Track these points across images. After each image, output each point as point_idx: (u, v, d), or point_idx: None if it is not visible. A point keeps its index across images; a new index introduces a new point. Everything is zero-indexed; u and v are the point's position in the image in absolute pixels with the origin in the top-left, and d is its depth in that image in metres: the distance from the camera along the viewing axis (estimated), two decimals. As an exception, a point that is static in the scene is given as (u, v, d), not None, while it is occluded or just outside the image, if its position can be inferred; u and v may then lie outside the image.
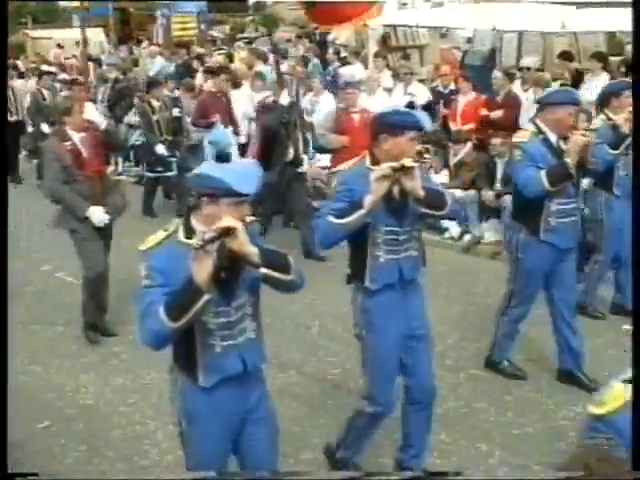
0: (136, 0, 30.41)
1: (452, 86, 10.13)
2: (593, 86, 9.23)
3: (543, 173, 5.09)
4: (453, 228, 8.65)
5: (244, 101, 10.24)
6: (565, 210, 5.28)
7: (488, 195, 8.34)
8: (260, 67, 12.70)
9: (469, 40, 13.75)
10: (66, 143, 6.16)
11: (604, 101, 6.58)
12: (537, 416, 5.24)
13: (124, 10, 31.27)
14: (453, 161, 8.94)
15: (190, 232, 3.16)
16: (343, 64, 12.78)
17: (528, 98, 9.18)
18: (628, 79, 7.21)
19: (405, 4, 15.33)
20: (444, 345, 6.07)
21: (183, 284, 3.00)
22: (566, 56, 10.10)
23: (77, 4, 32.29)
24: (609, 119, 6.38)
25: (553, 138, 5.23)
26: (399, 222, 4.08)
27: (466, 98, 9.33)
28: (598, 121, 6.50)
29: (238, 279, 3.24)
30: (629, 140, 6.21)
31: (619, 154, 6.28)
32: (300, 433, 5.00)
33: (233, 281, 3.23)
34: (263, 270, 3.18)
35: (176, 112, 10.13)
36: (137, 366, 6.04)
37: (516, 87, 9.52)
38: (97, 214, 6.26)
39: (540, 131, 5.27)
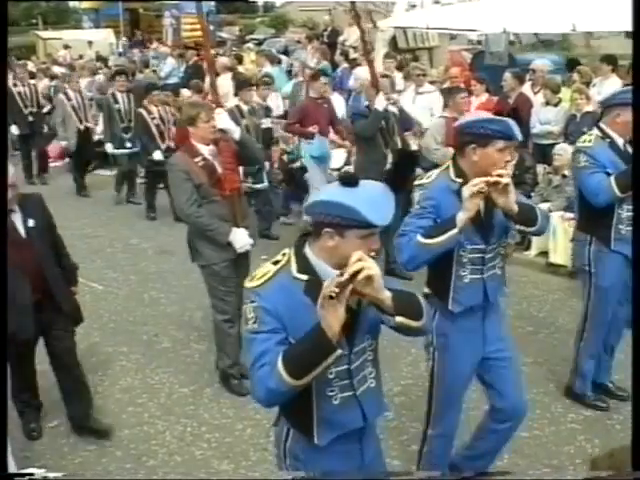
0: (145, 0, 30.47)
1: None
2: (603, 89, 9.23)
3: (612, 179, 4.80)
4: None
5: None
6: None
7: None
8: (268, 69, 12.72)
9: (480, 42, 13.74)
10: (196, 159, 5.29)
11: None
12: (546, 419, 5.21)
13: (134, 11, 31.38)
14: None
15: (305, 265, 2.71)
16: (353, 66, 12.79)
17: (538, 100, 9.18)
18: None
19: (414, 6, 15.29)
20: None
21: (310, 337, 2.56)
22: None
23: (87, 4, 32.55)
24: None
25: (620, 142, 4.91)
26: (485, 239, 3.79)
27: (479, 100, 9.29)
28: None
29: (360, 321, 2.78)
30: None
31: None
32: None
33: (355, 324, 2.75)
34: (398, 319, 2.69)
35: (267, 123, 9.14)
36: (146, 366, 6.05)
37: (526, 89, 9.50)
38: (241, 238, 5.36)
39: (606, 135, 4.95)
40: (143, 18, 31.53)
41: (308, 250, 2.74)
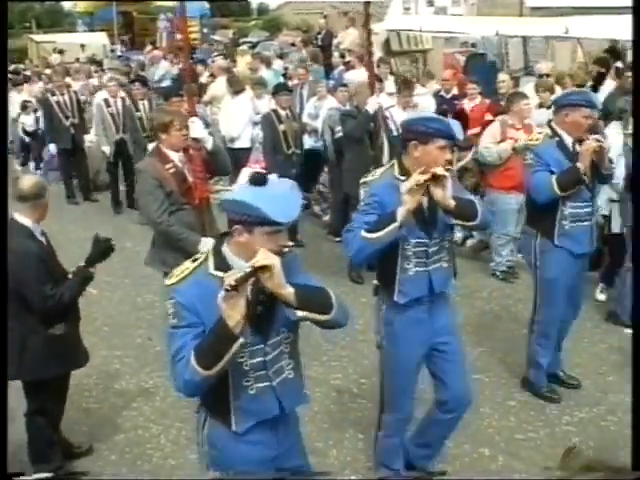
0: (139, 0, 30.43)
1: (455, 91, 10.12)
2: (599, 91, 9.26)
3: (554, 178, 5.00)
4: (457, 233, 8.64)
5: (247, 106, 10.24)
6: (579, 214, 5.14)
7: (488, 202, 8.33)
8: (263, 72, 12.72)
9: (473, 45, 13.77)
10: (167, 166, 5.25)
11: None
12: (541, 421, 5.23)
13: (128, 14, 31.36)
14: (457, 166, 8.93)
15: (222, 262, 2.86)
16: (348, 68, 12.81)
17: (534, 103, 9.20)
18: None
19: (408, 9, 15.35)
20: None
21: (213, 328, 2.71)
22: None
23: (82, 7, 32.51)
24: None
25: (568, 141, 5.11)
26: (429, 233, 3.94)
27: (473, 103, 9.31)
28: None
29: (275, 314, 2.94)
30: None
31: None
32: (303, 437, 4.97)
33: (269, 317, 2.94)
34: (299, 313, 2.84)
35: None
36: (140, 370, 6.05)
37: (529, 92, 9.50)
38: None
39: (555, 133, 5.16)
40: (137, 21, 31.49)
41: (225, 247, 2.88)
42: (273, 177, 2.94)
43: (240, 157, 9.78)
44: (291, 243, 2.97)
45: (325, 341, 6.29)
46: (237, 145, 10.15)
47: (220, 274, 2.77)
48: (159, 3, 28.67)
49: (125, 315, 7.15)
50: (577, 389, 5.63)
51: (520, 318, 6.66)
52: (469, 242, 8.75)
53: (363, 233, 3.80)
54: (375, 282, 4.22)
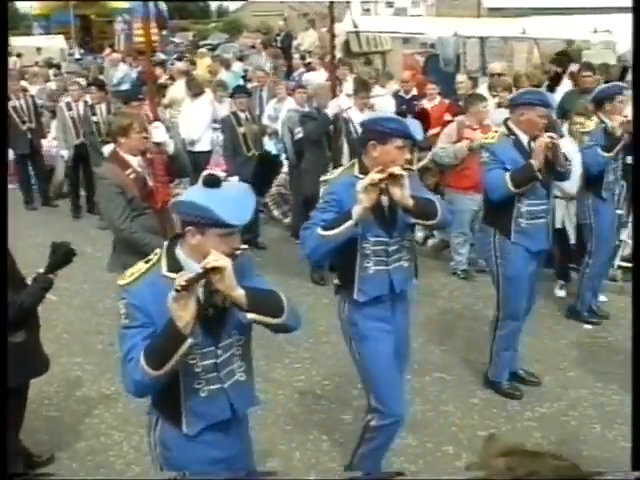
0: (95, 0, 30.10)
1: (414, 91, 10.17)
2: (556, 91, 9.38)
3: (507, 175, 5.06)
4: (417, 233, 8.69)
5: (207, 109, 10.19)
6: (535, 212, 5.21)
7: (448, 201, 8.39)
8: (222, 75, 12.68)
9: (432, 45, 13.86)
10: (127, 171, 5.17)
11: (597, 104, 6.55)
12: (503, 418, 5.28)
13: (85, 17, 31.02)
14: (417, 166, 8.98)
15: (174, 264, 2.86)
16: (309, 70, 12.83)
17: (492, 103, 9.28)
18: (621, 83, 7.25)
19: (368, 10, 15.42)
20: (410, 348, 6.09)
21: (163, 329, 2.72)
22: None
23: (38, 10, 32.04)
24: (602, 122, 6.40)
25: (524, 139, 5.17)
26: (388, 232, 3.96)
27: (432, 103, 9.37)
28: (591, 124, 6.49)
29: (226, 317, 2.95)
30: (622, 144, 6.29)
31: (611, 157, 6.32)
32: (267, 440, 4.99)
33: (221, 319, 2.94)
34: (250, 315, 2.86)
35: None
36: (101, 376, 5.98)
37: (483, 92, 9.59)
38: None
39: (511, 132, 5.22)
40: (95, 24, 31.17)
41: (179, 249, 2.88)
42: (234, 179, 2.96)
43: (200, 160, 9.72)
44: (244, 245, 2.96)
45: (287, 343, 6.28)
46: (197, 148, 10.09)
47: (172, 275, 2.76)
48: (116, 5, 28.41)
49: (85, 321, 7.07)
50: (537, 386, 5.69)
51: (481, 316, 6.73)
52: (430, 241, 8.81)
53: (319, 231, 3.79)
54: (336, 281, 4.23)
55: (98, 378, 5.98)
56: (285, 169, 9.26)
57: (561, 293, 7.34)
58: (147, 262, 2.93)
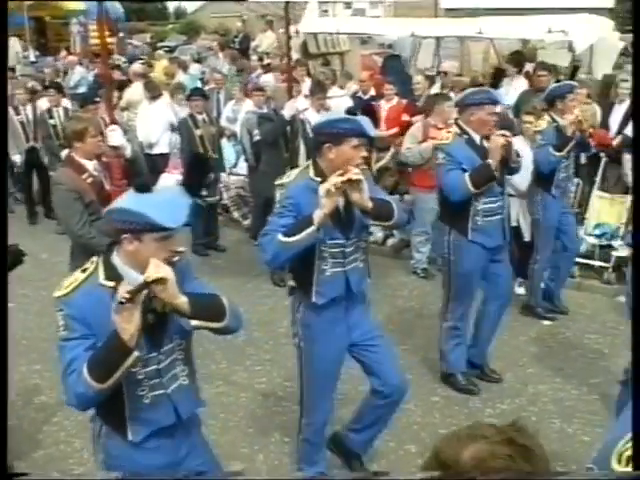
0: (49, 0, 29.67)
1: (372, 92, 10.21)
2: (510, 90, 9.47)
3: (467, 176, 5.12)
4: (377, 233, 8.73)
5: (165, 111, 10.12)
6: (491, 209, 5.29)
7: (409, 201, 8.43)
8: (180, 77, 12.61)
9: (390, 46, 13.91)
10: (83, 176, 5.12)
11: (549, 103, 6.67)
12: (464, 415, 5.33)
13: (40, 19, 30.58)
14: (376, 167, 9.02)
15: (112, 272, 2.83)
16: (266, 71, 12.80)
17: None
18: (572, 82, 7.37)
19: (326, 11, 15.42)
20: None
21: (107, 341, 2.68)
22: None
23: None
24: (554, 121, 6.50)
25: (477, 138, 5.25)
26: (345, 234, 3.97)
27: (390, 104, 9.41)
28: (543, 123, 6.59)
29: (167, 322, 2.94)
30: (573, 143, 6.39)
31: (562, 156, 6.42)
32: (229, 443, 4.97)
33: (162, 325, 2.93)
34: (193, 322, 2.87)
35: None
36: (61, 384, 5.87)
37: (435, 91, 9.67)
38: None
39: (463, 131, 5.29)
40: (50, 26, 30.73)
41: (115, 257, 2.85)
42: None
43: (159, 163, 9.68)
44: (182, 248, 2.94)
45: (248, 345, 6.27)
46: (155, 151, 10.04)
47: (110, 284, 2.76)
48: (72, 6, 28.05)
49: (44, 328, 6.96)
50: (498, 382, 5.74)
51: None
52: (390, 241, 8.84)
53: (280, 237, 3.78)
54: (291, 283, 4.23)
55: (57, 385, 5.82)
56: (243, 171, 9.26)
57: (520, 290, 7.41)
58: (84, 271, 2.90)
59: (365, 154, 3.96)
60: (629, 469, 1.86)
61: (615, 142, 8.13)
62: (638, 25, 4.96)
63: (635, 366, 1.88)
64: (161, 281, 2.67)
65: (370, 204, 3.83)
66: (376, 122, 9.15)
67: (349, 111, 4.26)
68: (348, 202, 3.89)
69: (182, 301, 2.78)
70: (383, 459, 4.81)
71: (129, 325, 2.63)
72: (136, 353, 2.68)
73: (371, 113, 8.49)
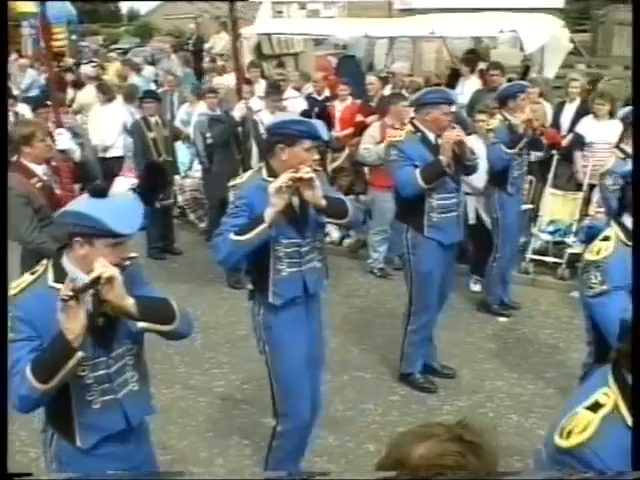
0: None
1: (327, 93, 10.21)
2: (464, 89, 9.55)
3: (417, 171, 5.17)
4: (333, 233, 8.74)
5: (119, 114, 10.02)
6: (446, 205, 5.33)
7: (366, 201, 8.46)
8: (133, 79, 12.49)
9: (344, 47, 13.94)
10: (32, 180, 5.03)
11: (501, 102, 6.74)
12: (423, 413, 5.36)
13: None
14: (331, 167, 9.03)
15: (61, 275, 2.78)
16: (220, 73, 12.71)
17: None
18: (523, 82, 7.47)
19: (280, 12, 15.39)
20: (328, 349, 6.10)
21: (52, 341, 2.65)
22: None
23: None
24: (506, 120, 6.57)
25: (431, 137, 5.30)
26: (301, 233, 3.97)
27: (344, 104, 9.43)
28: (495, 121, 6.66)
29: (117, 326, 2.89)
30: (525, 141, 6.47)
31: (514, 154, 6.49)
32: (188, 448, 4.93)
33: (112, 329, 2.89)
34: (141, 324, 2.84)
35: None
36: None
37: (388, 92, 9.70)
38: None
39: (418, 130, 5.33)
40: (0, 29, 30.25)
41: (65, 260, 2.82)
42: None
43: (113, 166, 9.56)
44: (134, 254, 2.92)
45: (206, 349, 6.24)
46: (110, 154, 9.91)
47: (59, 286, 2.70)
48: (23, 9, 27.61)
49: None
50: (453, 378, 5.80)
51: (398, 313, 6.74)
52: (346, 241, 8.86)
53: (232, 236, 3.78)
54: (250, 286, 4.20)
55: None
56: (198, 173, 9.20)
57: (476, 287, 7.49)
58: (33, 273, 2.87)
59: (317, 156, 3.98)
60: (569, 442, 1.99)
61: (566, 140, 8.26)
62: (638, 25, 5.02)
63: (635, 365, 1.93)
64: (107, 281, 2.64)
65: (323, 201, 3.85)
66: (331, 123, 9.18)
67: (304, 113, 4.27)
68: (303, 201, 3.90)
69: (129, 303, 2.75)
70: (342, 458, 4.82)
71: (73, 324, 2.59)
72: (80, 353, 2.65)
73: (326, 116, 8.51)
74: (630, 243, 3.08)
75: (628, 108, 5.59)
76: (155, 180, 7.63)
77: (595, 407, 2.02)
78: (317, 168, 4.03)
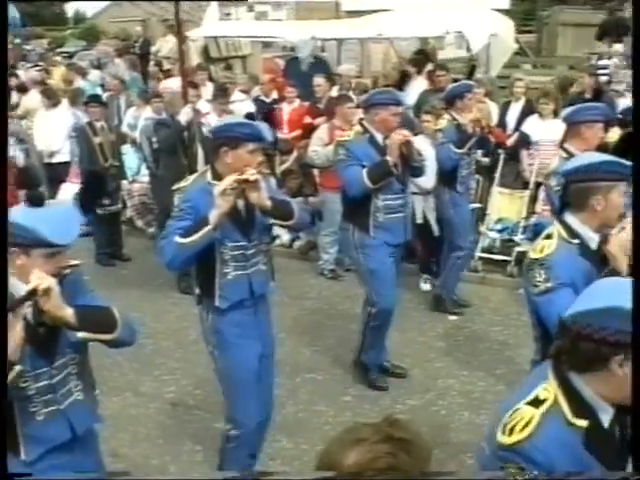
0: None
1: (275, 95, 10.20)
2: (413, 90, 9.62)
3: (364, 171, 5.19)
4: (284, 235, 8.72)
5: (65, 119, 9.86)
6: (392, 206, 5.36)
7: (316, 202, 8.46)
8: (79, 83, 12.32)
9: (292, 49, 13.94)
10: None
11: (449, 102, 6.80)
12: (375, 413, 5.35)
13: None
14: (280, 169, 9.02)
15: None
16: (166, 77, 12.60)
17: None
18: (469, 82, 7.56)
19: (228, 14, 15.32)
20: (280, 351, 6.08)
21: None
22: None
23: None
24: (454, 119, 6.63)
25: (379, 138, 5.33)
26: (246, 236, 3.97)
27: (291, 106, 9.43)
28: (443, 121, 6.72)
29: (59, 336, 2.85)
30: (473, 140, 6.54)
31: (463, 153, 6.56)
32: (140, 455, 4.88)
33: (53, 339, 2.84)
34: (80, 334, 2.80)
35: None
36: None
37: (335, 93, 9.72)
38: None
39: (366, 130, 5.36)
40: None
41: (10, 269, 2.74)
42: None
43: (60, 172, 9.43)
44: (75, 262, 2.89)
45: (157, 355, 6.18)
46: (56, 159, 9.76)
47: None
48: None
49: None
50: (405, 378, 5.83)
51: (349, 314, 6.81)
52: (297, 243, 8.85)
53: (177, 238, 3.79)
54: (197, 291, 4.18)
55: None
56: (146, 178, 9.12)
57: (426, 287, 7.54)
58: None
59: (261, 158, 4.02)
60: (511, 439, 2.00)
61: (512, 140, 8.38)
62: (638, 25, 5.07)
63: (635, 365, 1.96)
64: (44, 292, 2.60)
65: (269, 203, 3.87)
66: (278, 125, 9.18)
67: (248, 116, 4.26)
68: (248, 204, 3.91)
69: (67, 313, 2.72)
70: (296, 461, 4.80)
71: (10, 338, 2.53)
72: (18, 368, 2.60)
73: (273, 118, 8.51)
74: (573, 241, 3.14)
75: (570, 108, 5.67)
76: (95, 187, 7.55)
77: (536, 402, 2.05)
78: (265, 170, 4.04)
